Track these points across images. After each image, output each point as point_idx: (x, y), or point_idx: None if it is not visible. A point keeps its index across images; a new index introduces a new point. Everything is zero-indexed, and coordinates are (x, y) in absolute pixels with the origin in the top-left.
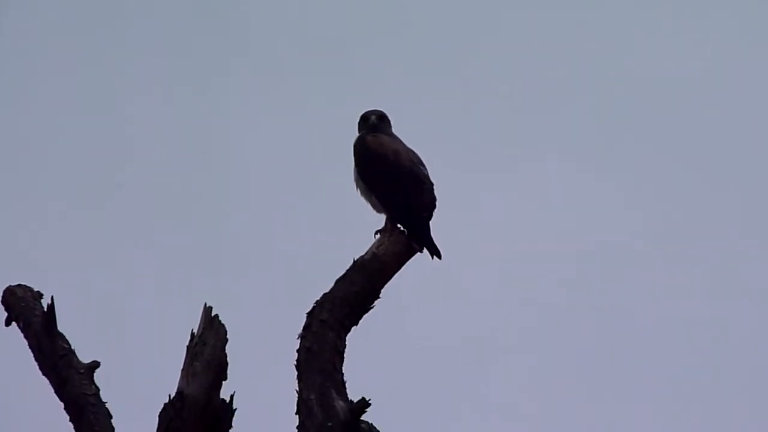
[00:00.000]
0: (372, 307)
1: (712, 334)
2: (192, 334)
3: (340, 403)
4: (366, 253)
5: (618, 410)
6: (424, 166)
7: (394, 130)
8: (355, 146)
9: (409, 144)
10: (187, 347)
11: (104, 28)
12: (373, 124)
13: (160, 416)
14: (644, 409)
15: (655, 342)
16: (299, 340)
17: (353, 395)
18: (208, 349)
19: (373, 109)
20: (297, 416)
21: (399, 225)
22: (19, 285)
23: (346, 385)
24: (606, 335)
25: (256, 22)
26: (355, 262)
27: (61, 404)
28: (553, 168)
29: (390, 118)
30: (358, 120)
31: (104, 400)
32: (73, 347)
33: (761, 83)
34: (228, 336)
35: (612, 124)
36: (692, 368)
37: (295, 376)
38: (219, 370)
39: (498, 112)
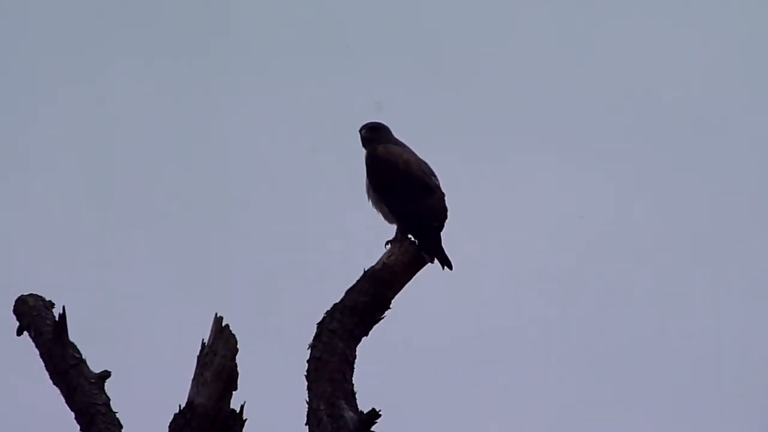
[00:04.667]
0: (382, 318)
1: (710, 334)
2: (202, 343)
3: (349, 414)
4: (376, 263)
5: (620, 414)
6: (435, 176)
7: (404, 139)
8: (366, 156)
9: (420, 153)
10: (198, 357)
11: (101, 30)
12: (364, 138)
13: (170, 426)
14: (644, 412)
15: (657, 343)
16: (309, 350)
17: (363, 406)
18: (218, 358)
19: (367, 122)
20: (306, 426)
21: (410, 235)
22: (31, 294)
23: (356, 395)
24: (610, 336)
25: (261, 26)
26: (365, 272)
27: (72, 413)
28: (559, 171)
29: (390, 126)
30: None
31: (114, 410)
32: (83, 356)
33: (758, 84)
34: (238, 346)
35: (613, 124)
36: (690, 370)
37: (305, 386)
38: (229, 379)
39: (500, 115)
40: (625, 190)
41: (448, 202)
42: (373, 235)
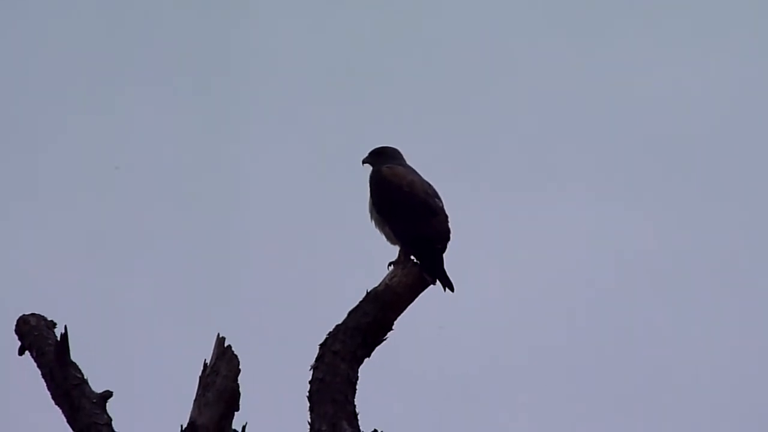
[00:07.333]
0: (385, 339)
1: (740, 371)
2: (204, 364)
3: None
4: (379, 285)
5: None
6: (439, 198)
7: (411, 162)
8: (371, 176)
9: (427, 176)
10: (200, 377)
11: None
12: (365, 162)
13: None
14: None
15: (676, 374)
16: (311, 371)
17: (365, 427)
18: (220, 379)
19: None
20: None
21: (412, 256)
22: (33, 314)
23: (359, 416)
24: (622, 367)
25: (270, 57)
26: (368, 293)
27: None
28: (569, 198)
29: (401, 150)
30: None
31: (117, 430)
32: (85, 376)
33: None
34: (241, 367)
35: (634, 155)
36: (714, 406)
37: (307, 407)
38: (231, 400)
39: (513, 143)
40: (649, 222)
41: (453, 224)
42: (376, 257)
